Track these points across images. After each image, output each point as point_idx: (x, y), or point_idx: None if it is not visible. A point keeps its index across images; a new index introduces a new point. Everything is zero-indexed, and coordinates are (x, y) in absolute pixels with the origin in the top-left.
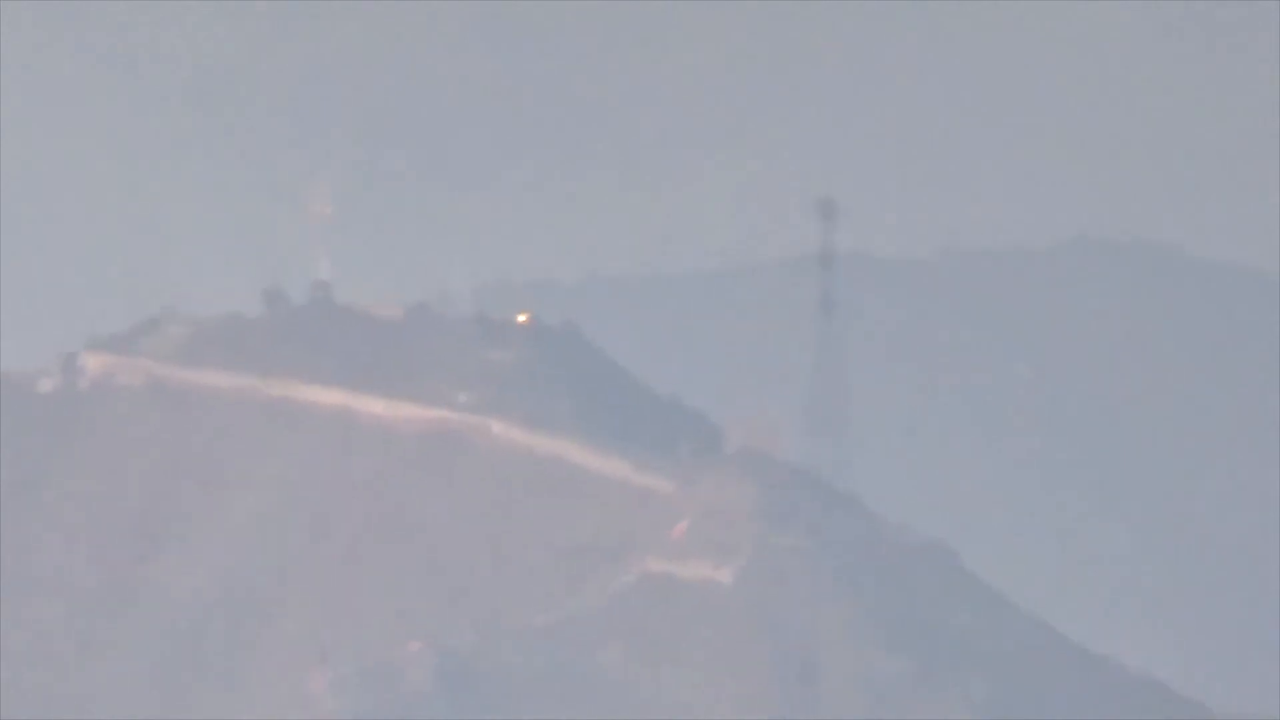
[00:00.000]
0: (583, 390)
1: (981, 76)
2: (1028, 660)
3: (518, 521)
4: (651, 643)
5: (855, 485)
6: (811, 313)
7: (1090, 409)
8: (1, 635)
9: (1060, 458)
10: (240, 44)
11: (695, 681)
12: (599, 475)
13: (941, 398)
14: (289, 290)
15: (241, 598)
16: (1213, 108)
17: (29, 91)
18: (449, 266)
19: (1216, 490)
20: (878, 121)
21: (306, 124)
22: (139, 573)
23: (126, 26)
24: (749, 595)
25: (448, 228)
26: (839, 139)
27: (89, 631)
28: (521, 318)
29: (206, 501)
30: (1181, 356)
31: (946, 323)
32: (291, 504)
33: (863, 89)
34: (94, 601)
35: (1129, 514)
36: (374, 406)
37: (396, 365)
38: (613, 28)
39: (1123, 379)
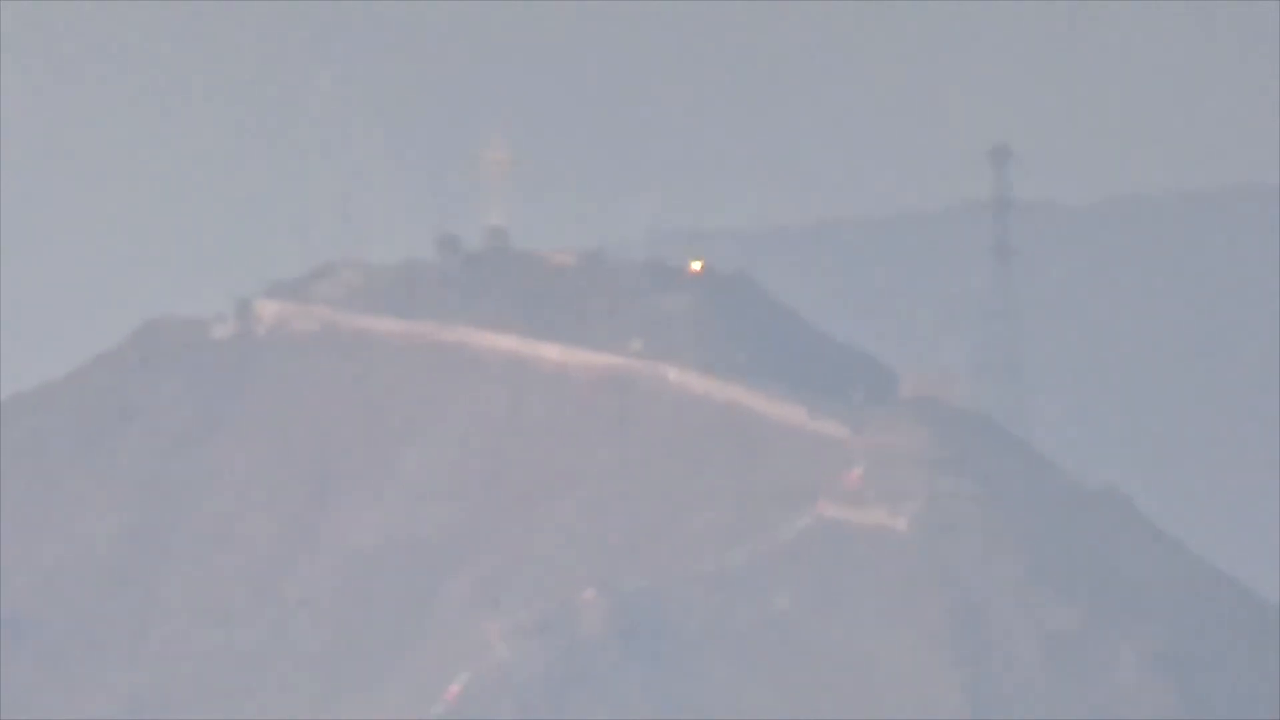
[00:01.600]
0: (756, 337)
1: (1148, 21)
2: (1202, 608)
3: (691, 468)
4: (825, 589)
5: (1029, 432)
6: (986, 259)
7: (1267, 353)
8: (177, 585)
9: (1235, 403)
10: None
11: (868, 628)
12: (773, 421)
13: (1115, 344)
14: (463, 238)
15: (415, 545)
16: None
17: (214, 41)
18: (623, 214)
19: None
20: (1049, 67)
21: (482, 70)
22: (314, 520)
23: None
24: (922, 542)
25: (622, 175)
26: (1011, 85)
27: (264, 580)
28: (695, 265)
29: (381, 448)
30: None
31: (1118, 269)
32: (465, 451)
33: (1032, 35)
34: (269, 549)
35: None
36: (548, 353)
37: (570, 312)
38: None
39: None
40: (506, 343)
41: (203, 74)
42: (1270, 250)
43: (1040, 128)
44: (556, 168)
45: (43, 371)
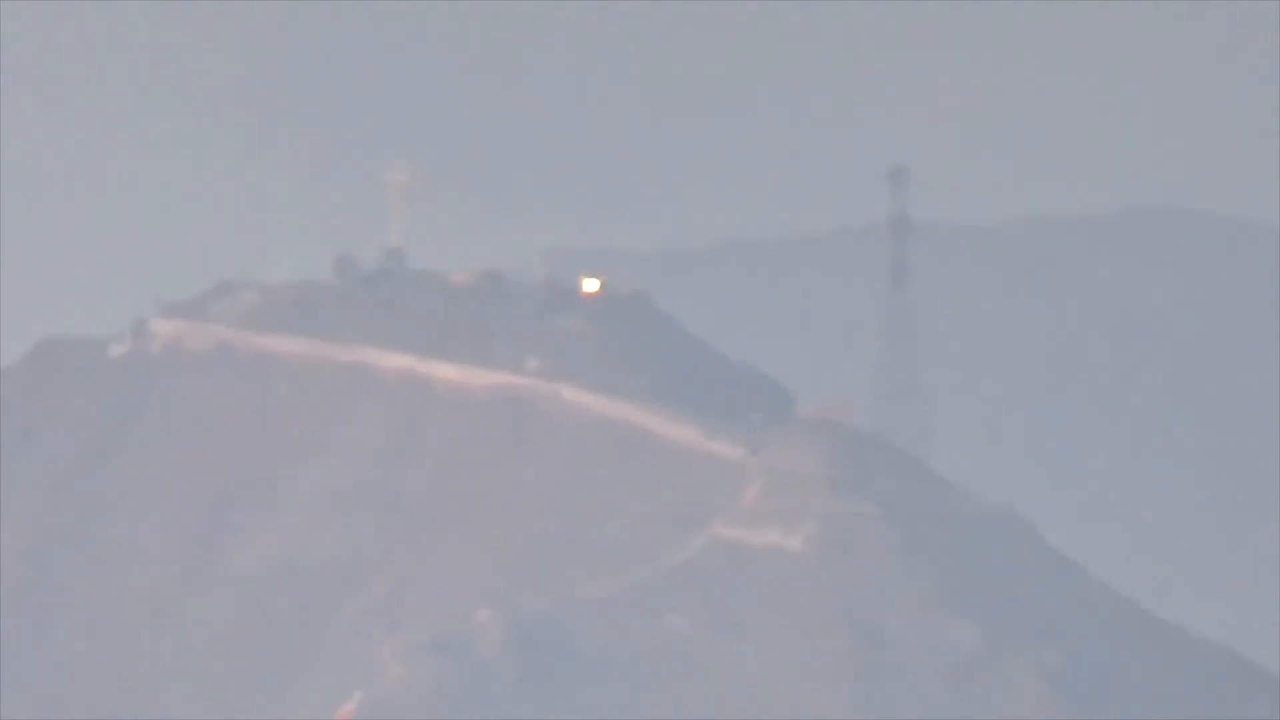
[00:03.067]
0: (653, 357)
1: (1047, 44)
2: (1098, 628)
3: (587, 488)
4: (722, 610)
5: (927, 453)
6: (884, 280)
7: (1167, 374)
8: (74, 605)
9: (1135, 421)
10: (322, 14)
11: (764, 649)
12: (669, 442)
13: (1014, 364)
14: (361, 258)
15: (313, 565)
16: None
17: (106, 56)
18: (521, 235)
19: None
20: (946, 91)
21: (381, 92)
22: (211, 540)
23: None
24: (818, 562)
25: (520, 197)
26: (910, 107)
27: (161, 600)
28: (593, 285)
29: (278, 468)
30: (1246, 323)
31: (1015, 290)
32: (363, 470)
33: (931, 57)
34: (166, 569)
35: (1204, 483)
36: (445, 372)
37: (467, 332)
38: None
39: (1196, 341)
40: (404, 362)
41: (100, 93)
42: (1167, 271)
43: (939, 149)
44: (455, 189)
45: None
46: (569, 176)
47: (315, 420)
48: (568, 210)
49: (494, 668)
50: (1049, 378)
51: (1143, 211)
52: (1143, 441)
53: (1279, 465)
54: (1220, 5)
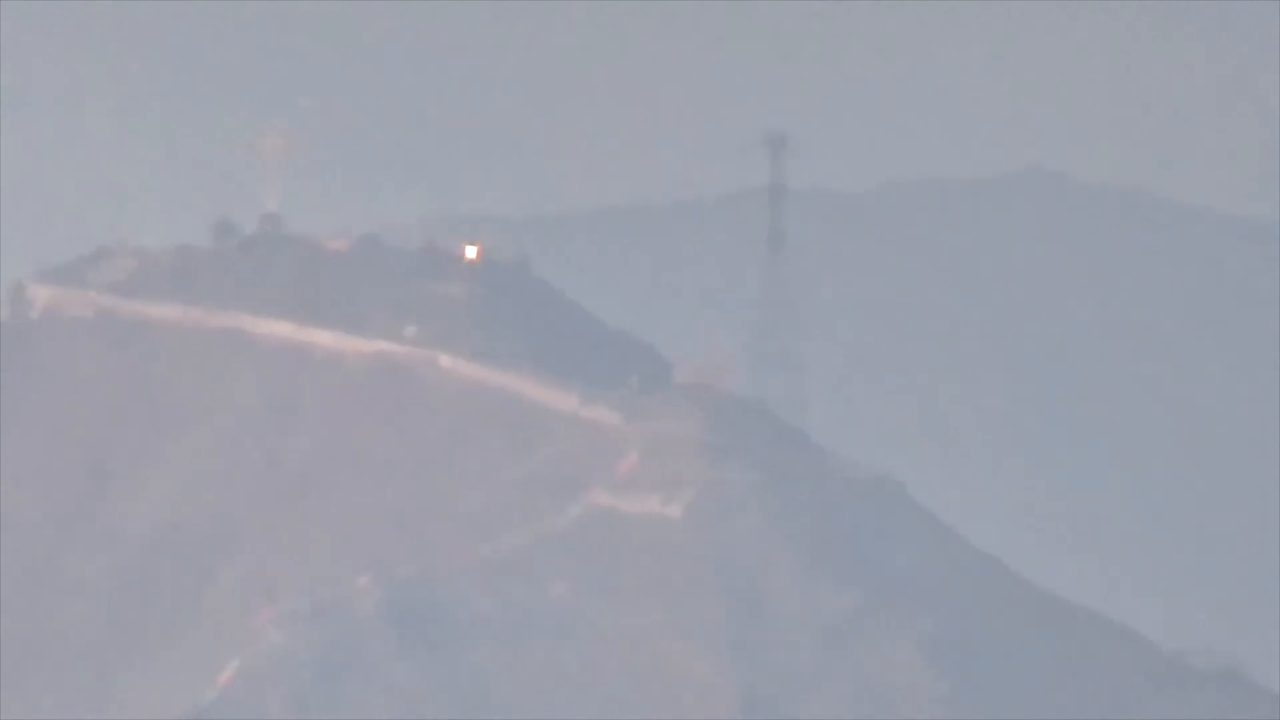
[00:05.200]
0: (530, 324)
1: (925, 6)
2: (975, 595)
3: (465, 454)
4: (599, 576)
5: (803, 420)
6: (761, 247)
7: (1041, 341)
8: None
9: (1009, 389)
10: None
11: (643, 615)
12: (547, 408)
13: (891, 331)
14: (238, 223)
15: (190, 532)
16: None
17: None
18: (398, 200)
19: (1167, 416)
20: (822, 54)
21: (259, 56)
22: (88, 506)
23: None
24: (697, 529)
25: (396, 161)
26: (787, 72)
27: (36, 566)
28: (471, 251)
29: (155, 434)
30: (1129, 288)
31: (892, 256)
32: (239, 436)
33: (807, 20)
34: (42, 535)
35: (1078, 446)
36: (322, 338)
37: (344, 298)
38: None
39: (1072, 309)
40: (281, 328)
41: None
42: (1044, 236)
43: (815, 115)
44: (332, 153)
45: None
46: (445, 142)
47: (193, 386)
48: (444, 176)
49: (372, 634)
50: (927, 344)
51: (1018, 175)
52: (1019, 406)
53: (1163, 422)
54: None
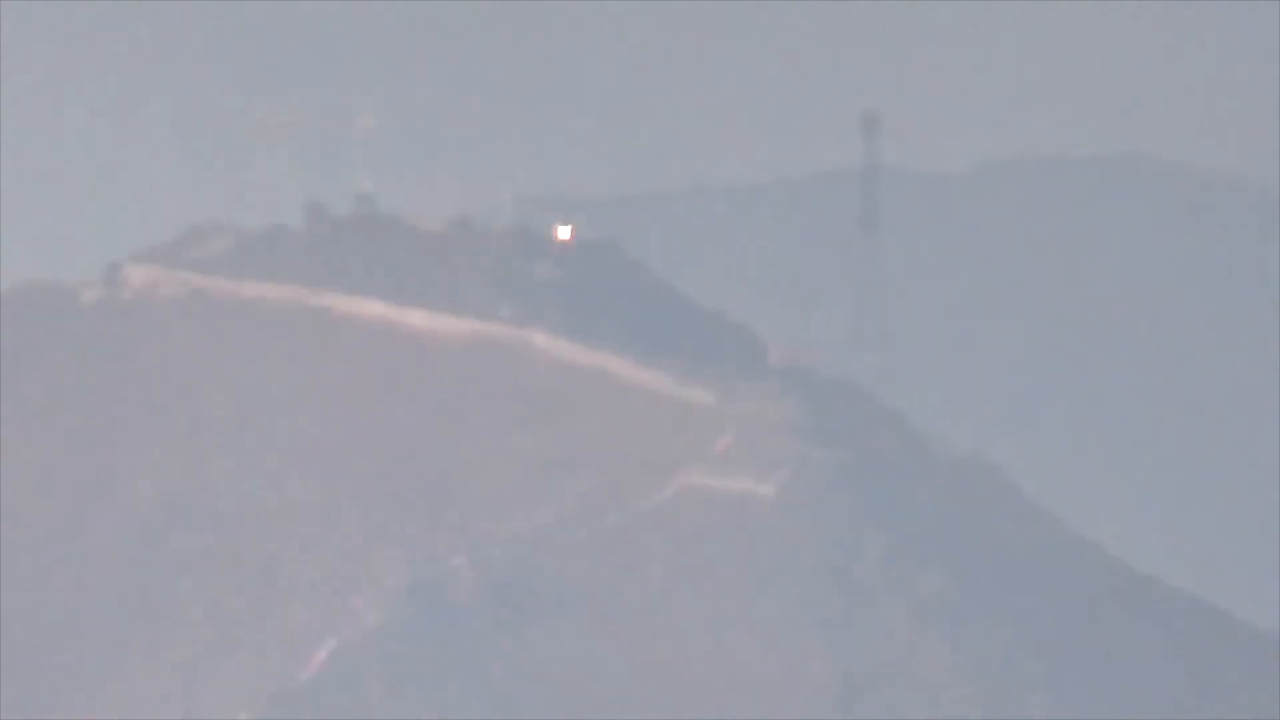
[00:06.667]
0: (624, 304)
1: None
2: (1070, 576)
3: (560, 434)
4: (693, 556)
5: (897, 399)
6: (853, 227)
7: (1140, 323)
8: (47, 550)
9: (1105, 371)
10: None
11: (734, 594)
12: (641, 388)
13: (984, 312)
14: (332, 204)
15: (284, 511)
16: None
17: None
18: (492, 181)
19: (1275, 401)
20: (916, 34)
21: (352, 35)
22: (182, 487)
23: None
24: (790, 509)
25: (490, 142)
26: (883, 51)
27: (133, 546)
28: (564, 232)
29: (250, 414)
30: (1227, 274)
31: (987, 236)
32: (334, 416)
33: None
34: (138, 516)
35: (1176, 429)
36: (416, 319)
37: (438, 278)
38: None
39: (1170, 292)
40: (374, 308)
41: (76, 37)
42: (1143, 219)
43: (910, 93)
44: (425, 134)
45: None
46: (538, 123)
47: (287, 367)
48: (536, 157)
49: (467, 614)
50: (1022, 324)
51: (1119, 157)
52: (1118, 390)
53: (1261, 414)
54: None
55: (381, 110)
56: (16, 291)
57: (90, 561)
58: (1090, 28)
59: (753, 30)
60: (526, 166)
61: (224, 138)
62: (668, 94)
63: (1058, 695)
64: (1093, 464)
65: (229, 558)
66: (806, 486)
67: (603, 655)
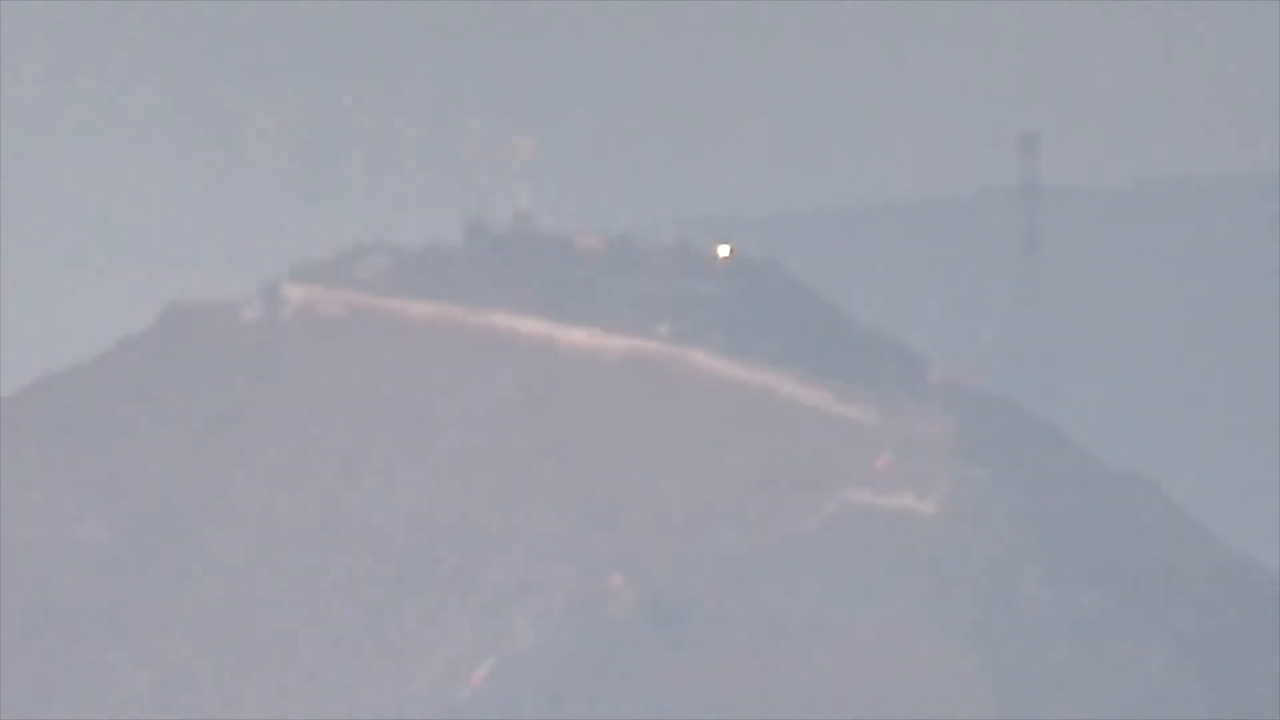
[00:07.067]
0: (784, 322)
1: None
2: (1230, 595)
3: (719, 452)
4: (853, 574)
5: (1057, 417)
6: (1015, 245)
7: None
8: (206, 569)
9: (1265, 388)
10: None
11: (896, 613)
12: (801, 405)
13: (1143, 330)
14: (491, 221)
15: (443, 530)
16: None
17: (245, 23)
18: (651, 199)
19: None
20: (1074, 51)
21: (510, 54)
22: (342, 505)
23: None
24: (950, 527)
25: (649, 160)
26: (1040, 69)
27: (291, 564)
28: (724, 250)
29: (409, 432)
30: None
31: (1146, 252)
32: (493, 434)
33: (1062, 16)
34: (296, 534)
35: None
36: (576, 336)
37: (598, 296)
38: None
39: None
40: (534, 326)
41: (234, 56)
42: None
43: (1067, 111)
44: (585, 152)
45: (71, 356)
46: (697, 141)
47: (446, 384)
48: (695, 176)
49: (626, 632)
50: (1181, 343)
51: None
52: (1276, 405)
53: None
54: None
55: (542, 128)
56: (175, 310)
57: (250, 578)
58: (1255, 43)
59: (914, 47)
60: (688, 185)
61: (382, 156)
62: (828, 112)
63: (1217, 715)
64: (1253, 481)
65: (389, 576)
66: (966, 504)
67: (762, 673)
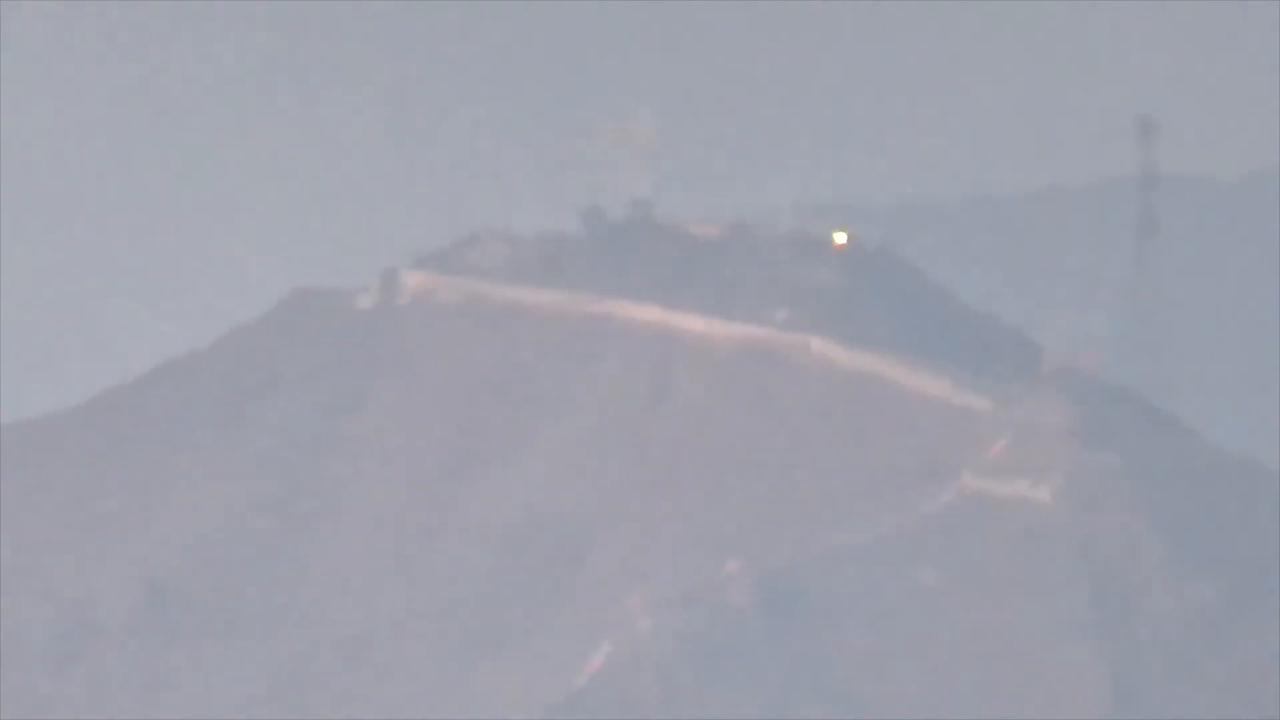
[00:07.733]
0: (900, 309)
1: None
2: None
3: (836, 439)
4: (968, 563)
5: (1172, 404)
6: (1131, 233)
7: None
8: (319, 557)
9: None
10: None
11: (1012, 602)
12: (917, 394)
13: (1260, 319)
14: (608, 209)
15: (558, 517)
16: None
17: (353, 15)
18: (768, 187)
19: None
20: (1196, 36)
21: (626, 41)
22: (457, 492)
23: None
24: (1066, 514)
25: (767, 148)
26: (1158, 56)
27: (406, 552)
28: (841, 237)
29: (525, 420)
30: None
31: (1262, 240)
32: (609, 422)
33: (1177, 3)
34: (411, 521)
35: None
36: (692, 324)
37: (715, 283)
38: None
39: None
40: (651, 314)
41: (360, 47)
42: None
43: (1186, 98)
44: (702, 139)
45: (190, 340)
46: (815, 129)
47: (562, 372)
48: (813, 163)
49: (742, 620)
50: None
51: None
52: None
53: None
54: None
55: (661, 115)
56: (294, 297)
57: (366, 567)
58: None
59: (1027, 40)
60: (805, 172)
61: (500, 145)
62: (945, 101)
63: None
64: None
65: (505, 563)
66: (1082, 491)
67: (877, 659)
